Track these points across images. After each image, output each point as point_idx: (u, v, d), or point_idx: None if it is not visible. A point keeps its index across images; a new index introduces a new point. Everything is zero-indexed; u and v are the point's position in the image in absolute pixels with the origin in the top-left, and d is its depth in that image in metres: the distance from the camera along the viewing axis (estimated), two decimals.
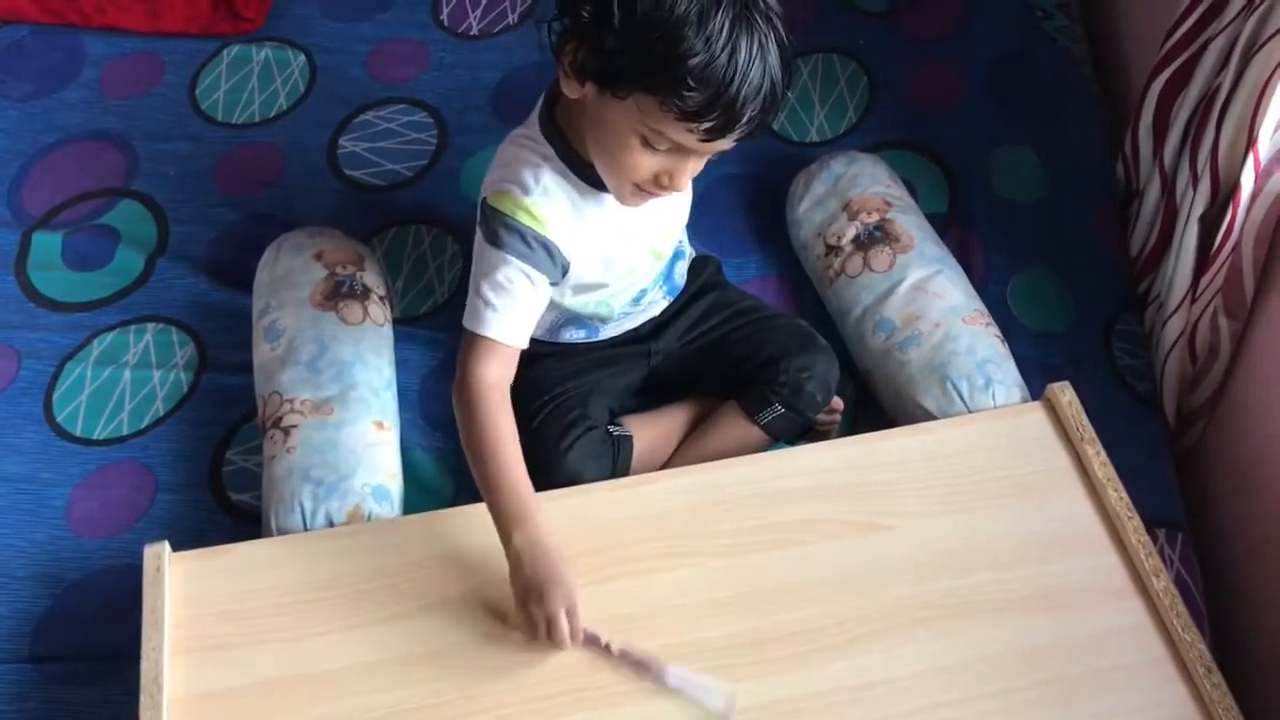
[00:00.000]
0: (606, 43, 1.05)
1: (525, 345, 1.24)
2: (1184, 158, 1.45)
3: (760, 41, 1.04)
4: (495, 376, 1.21)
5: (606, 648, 1.14)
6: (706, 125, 1.06)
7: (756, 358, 1.39)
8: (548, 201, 1.21)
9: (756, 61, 1.04)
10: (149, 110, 1.82)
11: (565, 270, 1.25)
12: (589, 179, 1.22)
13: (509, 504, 1.15)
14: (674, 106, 1.05)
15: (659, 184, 1.15)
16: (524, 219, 1.20)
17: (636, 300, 1.39)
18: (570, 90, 1.14)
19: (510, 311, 1.21)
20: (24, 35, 1.91)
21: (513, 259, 1.20)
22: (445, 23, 1.94)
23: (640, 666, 1.14)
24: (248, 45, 1.90)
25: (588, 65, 1.09)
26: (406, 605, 1.19)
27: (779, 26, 1.06)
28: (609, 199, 1.23)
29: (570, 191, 1.22)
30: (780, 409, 1.38)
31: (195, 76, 1.86)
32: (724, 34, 1.02)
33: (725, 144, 1.11)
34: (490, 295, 1.21)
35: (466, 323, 1.23)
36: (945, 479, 1.29)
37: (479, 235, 1.24)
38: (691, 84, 1.03)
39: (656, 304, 1.43)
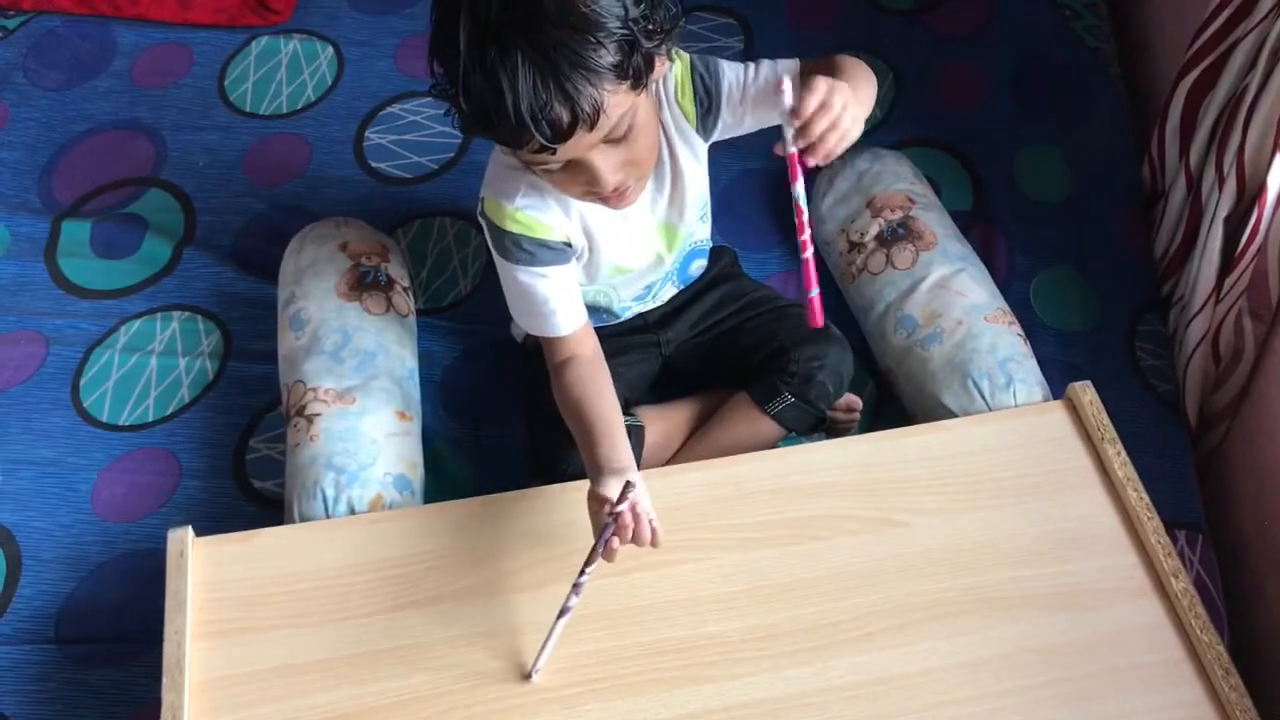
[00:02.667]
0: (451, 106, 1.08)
1: (583, 319, 1.29)
2: (1210, 158, 1.44)
3: (513, 60, 1.00)
4: (569, 356, 1.27)
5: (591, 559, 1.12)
6: (534, 147, 1.05)
7: (767, 346, 1.39)
8: (530, 203, 1.22)
9: (521, 79, 1.00)
10: (178, 100, 1.84)
11: (572, 247, 1.27)
12: None
13: (584, 449, 1.20)
14: (502, 143, 1.10)
15: (593, 189, 1.14)
16: (513, 228, 1.23)
17: (641, 297, 1.41)
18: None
19: (547, 307, 1.26)
20: (56, 25, 1.94)
21: (518, 267, 1.25)
22: None
23: (574, 588, 1.12)
24: (276, 37, 1.91)
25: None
26: (427, 592, 1.20)
27: (533, 36, 1.01)
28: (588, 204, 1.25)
29: (547, 189, 1.22)
30: (790, 399, 1.37)
31: (224, 67, 1.88)
32: (479, 71, 1.01)
33: (587, 141, 1.06)
34: (521, 305, 1.28)
35: (525, 328, 1.31)
36: (964, 476, 1.29)
37: (487, 232, 1.28)
38: (485, 124, 1.05)
39: (666, 293, 1.44)
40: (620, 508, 1.09)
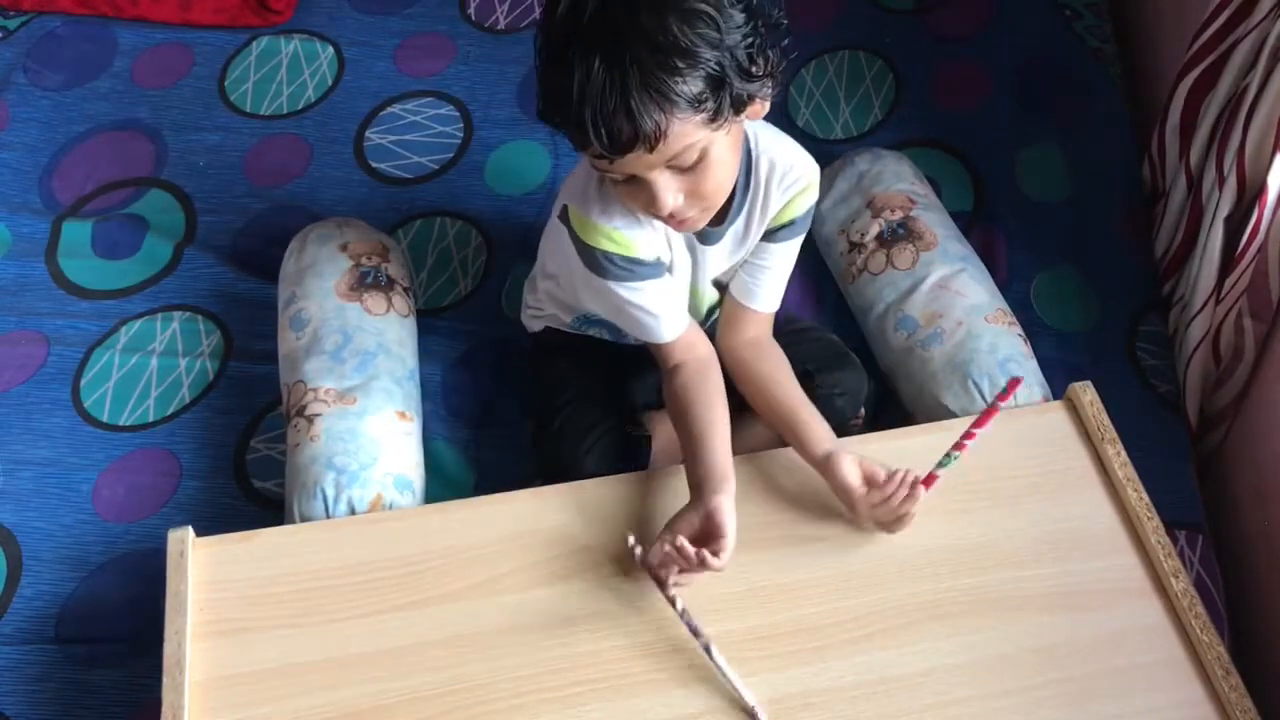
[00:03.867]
0: None
1: (687, 321, 1.27)
2: (1210, 158, 1.44)
3: (590, 63, 0.98)
4: (678, 361, 1.26)
5: (671, 601, 1.15)
6: (594, 151, 1.03)
7: None
8: (625, 221, 1.18)
9: (592, 83, 0.98)
10: (179, 101, 1.84)
11: (664, 262, 1.24)
12: None
13: (685, 454, 1.21)
14: (570, 140, 1.05)
15: (651, 209, 1.11)
16: (609, 245, 1.19)
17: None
18: None
19: (647, 317, 1.23)
20: (57, 26, 1.94)
21: (615, 284, 1.21)
22: (473, 17, 1.95)
23: (693, 630, 1.14)
24: (276, 37, 1.91)
25: None
26: (426, 593, 1.20)
27: (616, 47, 0.98)
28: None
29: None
30: None
31: (225, 68, 1.88)
32: (556, 62, 1.00)
33: (646, 161, 1.03)
34: (627, 314, 1.24)
35: (635, 335, 1.28)
36: (965, 477, 1.28)
37: (571, 241, 1.22)
38: (552, 116, 1.02)
39: None
40: (650, 568, 1.15)
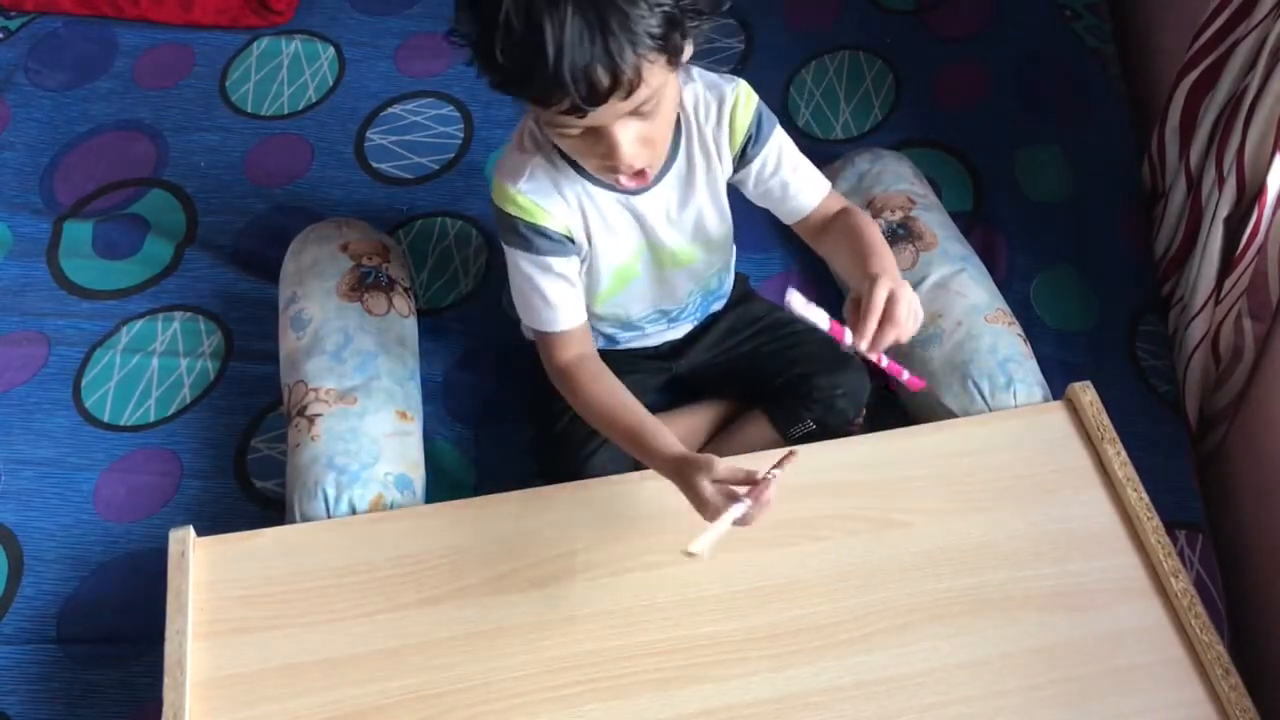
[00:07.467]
0: (477, 58, 1.04)
1: (584, 317, 1.26)
2: (1210, 159, 1.44)
3: (562, 13, 0.95)
4: (573, 355, 1.25)
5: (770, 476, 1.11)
6: (563, 107, 1.01)
7: (788, 373, 1.39)
8: (534, 187, 1.19)
9: (568, 33, 0.96)
10: (180, 101, 1.84)
11: (574, 241, 1.23)
12: (578, 168, 1.20)
13: (634, 448, 1.19)
14: (532, 99, 1.03)
15: (608, 162, 1.10)
16: (513, 210, 1.20)
17: (657, 320, 1.39)
18: None
19: (547, 301, 1.23)
20: (58, 26, 1.94)
21: (520, 253, 1.21)
22: None
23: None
24: (277, 38, 1.92)
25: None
26: (427, 593, 1.20)
27: None
28: (600, 191, 1.22)
29: (556, 176, 1.20)
30: (812, 425, 1.39)
31: (226, 68, 1.88)
32: (523, 19, 0.96)
33: (617, 109, 1.03)
34: (525, 293, 1.24)
35: (526, 321, 1.27)
36: (965, 477, 1.29)
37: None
38: (516, 75, 1.00)
39: (682, 326, 1.44)
40: (775, 472, 1.09)
